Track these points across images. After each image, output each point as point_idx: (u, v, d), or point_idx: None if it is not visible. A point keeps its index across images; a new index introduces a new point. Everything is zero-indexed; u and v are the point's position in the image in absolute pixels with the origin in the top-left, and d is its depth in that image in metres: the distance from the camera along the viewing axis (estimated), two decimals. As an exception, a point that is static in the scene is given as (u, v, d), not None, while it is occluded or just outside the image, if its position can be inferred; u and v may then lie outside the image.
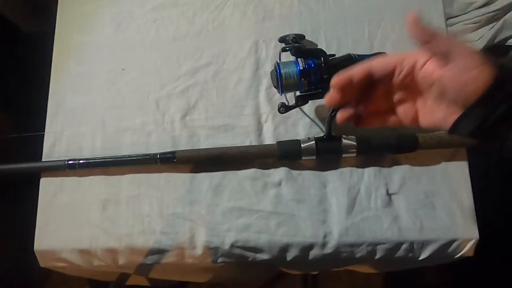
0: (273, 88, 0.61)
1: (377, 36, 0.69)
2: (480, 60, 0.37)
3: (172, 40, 0.71)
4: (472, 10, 0.97)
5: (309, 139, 0.60)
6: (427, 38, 0.39)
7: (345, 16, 0.70)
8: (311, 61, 0.55)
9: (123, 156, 0.63)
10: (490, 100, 0.38)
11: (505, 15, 0.93)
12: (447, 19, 0.80)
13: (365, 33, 0.69)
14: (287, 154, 0.61)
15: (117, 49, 0.72)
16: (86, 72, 0.71)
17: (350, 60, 0.56)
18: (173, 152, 0.62)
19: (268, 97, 0.66)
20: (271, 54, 0.69)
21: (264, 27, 0.71)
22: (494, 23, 0.95)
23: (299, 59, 0.56)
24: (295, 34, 0.63)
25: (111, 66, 0.70)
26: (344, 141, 0.59)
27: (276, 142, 0.61)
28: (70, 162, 0.63)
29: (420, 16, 0.40)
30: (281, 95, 0.59)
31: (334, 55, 0.61)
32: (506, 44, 0.96)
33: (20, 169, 0.65)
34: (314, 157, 0.60)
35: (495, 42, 0.96)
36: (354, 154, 0.60)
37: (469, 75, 0.37)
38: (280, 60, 0.61)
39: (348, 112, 0.45)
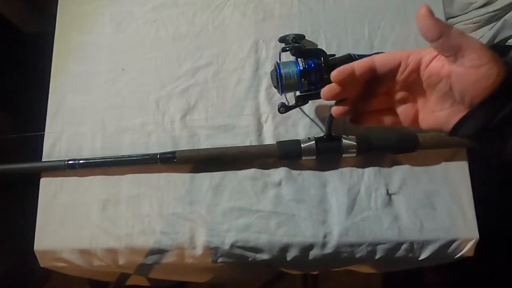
0: (273, 88, 0.61)
1: (377, 36, 0.69)
2: (490, 56, 0.36)
3: (172, 40, 0.71)
4: (472, 10, 0.97)
5: (309, 139, 0.60)
6: (439, 32, 0.38)
7: (345, 16, 0.70)
8: (311, 61, 0.55)
9: (123, 156, 0.63)
10: (498, 98, 0.37)
11: (505, 15, 0.93)
12: (447, 19, 0.80)
13: (365, 33, 0.69)
14: (287, 154, 0.61)
15: (117, 49, 0.72)
16: (86, 72, 0.71)
17: (350, 60, 0.56)
18: (173, 152, 0.62)
19: (268, 97, 0.66)
20: (271, 54, 0.69)
21: (264, 27, 0.71)
22: (494, 23, 0.95)
23: (299, 59, 0.56)
24: (295, 34, 0.63)
25: (111, 66, 0.70)
26: (344, 141, 0.59)
27: (276, 142, 0.61)
28: (70, 162, 0.63)
29: (431, 10, 0.38)
30: (281, 95, 0.59)
31: (334, 55, 0.61)
32: (506, 44, 0.96)
33: (20, 169, 0.65)
34: (314, 157, 0.60)
35: (495, 42, 0.96)
36: (354, 154, 0.60)
37: (480, 72, 0.36)
38: (280, 60, 0.61)
39: (345, 107, 0.44)
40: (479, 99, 0.37)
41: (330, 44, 0.68)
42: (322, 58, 0.56)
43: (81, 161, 0.63)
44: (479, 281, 1.09)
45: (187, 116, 0.67)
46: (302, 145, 0.59)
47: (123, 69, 0.70)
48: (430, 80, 0.41)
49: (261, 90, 0.67)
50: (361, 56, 0.57)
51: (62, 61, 0.71)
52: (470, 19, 0.97)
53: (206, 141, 0.65)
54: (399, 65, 0.41)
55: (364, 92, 0.43)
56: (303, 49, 0.57)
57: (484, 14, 0.95)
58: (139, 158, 0.62)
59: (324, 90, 0.43)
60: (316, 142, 0.59)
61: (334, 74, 0.42)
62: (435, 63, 0.40)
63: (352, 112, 0.44)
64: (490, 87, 0.36)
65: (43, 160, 0.66)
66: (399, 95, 0.44)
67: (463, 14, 0.99)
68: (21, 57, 1.16)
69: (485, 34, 0.96)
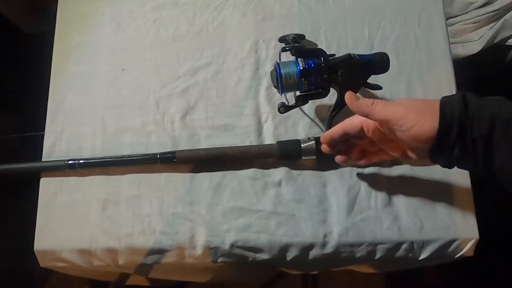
0: (273, 88, 0.61)
1: (377, 36, 0.69)
2: (416, 117, 0.41)
3: (172, 40, 0.71)
4: (472, 10, 0.98)
5: (309, 139, 0.60)
6: (364, 114, 0.46)
7: (345, 16, 0.70)
8: (311, 61, 0.55)
9: (123, 156, 0.63)
10: (440, 148, 0.41)
11: (505, 15, 0.93)
12: (447, 19, 0.80)
13: (365, 33, 0.69)
14: (287, 154, 0.61)
15: (117, 49, 0.72)
16: (86, 72, 0.71)
17: (350, 60, 0.56)
18: (173, 152, 0.62)
19: (268, 97, 0.66)
20: (271, 54, 0.69)
21: (264, 27, 0.71)
22: (494, 23, 0.95)
23: (299, 59, 0.56)
24: (295, 34, 0.63)
25: (111, 66, 0.70)
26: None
27: (276, 142, 0.61)
28: (70, 162, 0.63)
29: (353, 95, 0.48)
30: (281, 95, 0.59)
31: (334, 55, 0.61)
32: (506, 44, 0.96)
33: (20, 169, 0.65)
34: (314, 157, 0.60)
35: (495, 42, 0.96)
36: None
37: (412, 133, 0.42)
38: (280, 60, 0.61)
39: (342, 157, 0.56)
40: (428, 148, 0.43)
41: (330, 44, 0.69)
42: (322, 58, 0.56)
43: (81, 161, 0.63)
44: (479, 281, 1.09)
45: (187, 116, 0.67)
46: (302, 145, 0.59)
47: (123, 69, 0.70)
48: (385, 131, 0.47)
49: (261, 90, 0.67)
50: (361, 57, 0.57)
51: (62, 61, 0.71)
52: (470, 19, 0.98)
53: (206, 141, 0.65)
54: (362, 128, 0.50)
55: (347, 146, 0.55)
56: (303, 49, 0.57)
57: (484, 14, 0.95)
58: (139, 158, 0.62)
59: (323, 148, 0.56)
60: (316, 142, 0.59)
61: (321, 139, 0.56)
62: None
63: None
64: (429, 140, 0.41)
65: (43, 160, 0.66)
66: (379, 143, 0.52)
67: (463, 14, 0.99)
68: (21, 57, 1.16)
69: (485, 34, 0.96)
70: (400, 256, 0.60)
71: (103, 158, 0.63)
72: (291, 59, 0.57)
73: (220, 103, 0.67)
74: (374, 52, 0.59)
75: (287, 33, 0.66)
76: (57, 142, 0.67)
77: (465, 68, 0.81)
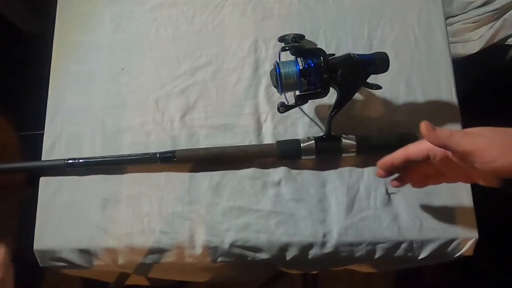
0: (273, 87, 0.61)
1: (376, 36, 0.69)
2: (500, 150, 0.39)
3: (171, 40, 0.71)
4: (471, 9, 0.97)
5: (308, 139, 0.60)
6: (443, 145, 0.43)
7: (345, 16, 0.70)
8: (311, 61, 0.55)
9: (122, 156, 0.63)
10: None
11: (504, 14, 0.93)
12: (447, 18, 0.80)
13: (365, 32, 0.69)
14: (287, 154, 0.61)
15: (116, 49, 0.72)
16: (85, 72, 0.71)
17: (349, 59, 0.56)
18: (173, 152, 0.62)
19: (267, 96, 0.67)
20: (271, 53, 0.69)
21: (263, 26, 0.71)
22: (494, 22, 0.95)
23: (298, 59, 0.56)
24: (294, 34, 0.63)
25: (111, 66, 0.70)
26: (344, 140, 0.59)
27: (276, 142, 0.61)
28: (70, 161, 0.63)
29: (430, 124, 0.43)
30: (281, 94, 0.59)
31: (334, 54, 0.61)
32: (506, 43, 0.96)
33: (20, 168, 0.65)
34: (314, 157, 0.60)
35: (495, 41, 0.96)
36: (354, 154, 0.60)
37: (494, 165, 0.39)
38: (279, 59, 0.61)
39: (398, 183, 0.54)
40: (504, 178, 0.41)
41: (329, 43, 0.69)
42: (322, 58, 0.56)
43: (80, 160, 0.63)
44: (478, 280, 1.09)
45: (187, 116, 0.67)
46: (301, 145, 0.59)
47: (122, 69, 0.70)
48: (460, 162, 0.44)
49: (260, 90, 0.67)
50: (360, 56, 0.57)
51: (62, 61, 0.71)
52: (470, 18, 0.97)
53: (206, 141, 0.65)
54: (428, 156, 0.48)
55: (404, 170, 0.52)
56: (302, 49, 0.57)
57: (483, 13, 0.95)
58: (139, 157, 0.62)
59: (378, 173, 0.54)
60: (315, 142, 0.59)
61: (378, 164, 0.52)
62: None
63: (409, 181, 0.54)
64: (509, 175, 0.39)
65: (42, 159, 0.66)
66: (442, 169, 0.50)
67: (462, 14, 0.99)
68: (21, 57, 1.16)
69: (484, 34, 0.96)
70: (399, 256, 0.60)
71: (103, 157, 0.63)
72: (290, 59, 0.57)
73: (219, 103, 0.67)
74: (373, 52, 0.59)
75: (286, 32, 0.66)
76: (56, 142, 0.67)
77: (464, 67, 0.81)
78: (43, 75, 0.70)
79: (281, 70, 0.55)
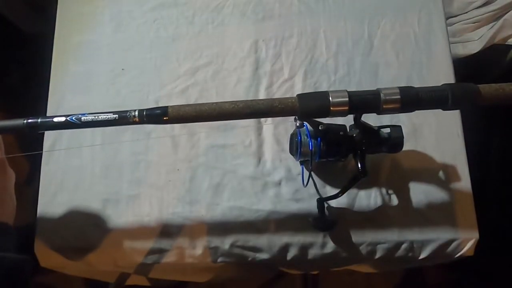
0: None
1: (376, 36, 0.69)
2: None
3: (171, 40, 0.71)
4: (471, 10, 0.97)
5: (339, 91, 0.47)
6: None
7: (345, 16, 0.70)
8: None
9: (97, 114, 0.51)
10: None
11: (504, 14, 0.93)
12: (447, 18, 0.80)
13: (365, 32, 0.69)
14: (311, 111, 0.47)
15: (116, 49, 0.72)
16: (85, 72, 0.71)
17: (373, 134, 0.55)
18: (164, 108, 0.48)
19: (267, 96, 0.66)
20: (271, 53, 0.69)
21: (263, 26, 0.71)
22: (494, 22, 0.95)
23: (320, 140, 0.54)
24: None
25: (111, 66, 0.70)
26: (384, 92, 0.47)
27: (297, 95, 0.48)
28: (30, 120, 0.50)
29: None
30: (297, 161, 0.60)
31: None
32: (506, 43, 0.96)
33: None
34: (347, 108, 0.46)
35: (495, 41, 0.96)
36: (398, 105, 0.47)
37: None
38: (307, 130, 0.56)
39: None
40: None
41: (329, 43, 0.69)
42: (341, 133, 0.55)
43: (42, 120, 0.50)
44: (479, 281, 1.09)
45: (187, 116, 0.67)
46: (330, 99, 0.46)
47: (122, 69, 0.70)
48: None
49: (260, 90, 0.67)
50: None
51: (62, 61, 0.71)
52: (470, 18, 0.97)
53: (206, 140, 0.65)
54: None
55: None
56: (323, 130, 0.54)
57: (484, 14, 0.95)
58: (117, 118, 0.50)
59: None
60: (349, 96, 0.46)
61: None
62: None
63: None
64: None
65: (42, 158, 0.66)
66: None
67: (463, 14, 0.99)
68: (21, 57, 1.16)
69: (484, 34, 0.96)
70: (400, 256, 0.60)
71: (74, 115, 0.50)
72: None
73: (219, 103, 0.67)
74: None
75: (286, 32, 0.66)
76: (57, 141, 0.67)
77: (465, 67, 0.81)
78: (43, 75, 0.70)
79: (302, 149, 0.55)
